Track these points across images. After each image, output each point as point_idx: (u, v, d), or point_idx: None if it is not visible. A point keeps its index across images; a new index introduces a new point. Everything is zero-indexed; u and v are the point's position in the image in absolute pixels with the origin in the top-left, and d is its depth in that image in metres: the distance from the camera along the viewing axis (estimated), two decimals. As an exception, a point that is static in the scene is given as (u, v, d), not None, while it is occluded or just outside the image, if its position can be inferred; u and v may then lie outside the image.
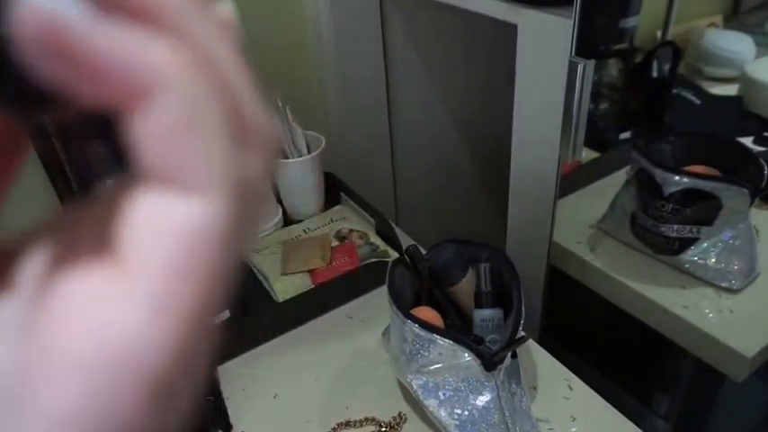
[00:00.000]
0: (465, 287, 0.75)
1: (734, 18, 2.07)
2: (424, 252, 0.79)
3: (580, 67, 0.73)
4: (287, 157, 1.03)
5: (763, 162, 0.91)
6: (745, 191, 0.85)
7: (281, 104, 1.02)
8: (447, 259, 0.75)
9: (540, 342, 0.85)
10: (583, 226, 1.07)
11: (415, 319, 0.67)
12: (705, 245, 0.91)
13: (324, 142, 1.06)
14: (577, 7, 0.71)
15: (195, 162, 0.14)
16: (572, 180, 1.19)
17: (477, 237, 0.90)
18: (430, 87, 1.37)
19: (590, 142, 1.28)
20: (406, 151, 1.41)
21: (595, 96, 1.37)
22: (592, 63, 0.73)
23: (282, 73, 1.15)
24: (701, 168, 0.95)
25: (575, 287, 1.04)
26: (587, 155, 1.27)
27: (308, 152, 1.05)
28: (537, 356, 0.82)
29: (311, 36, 1.17)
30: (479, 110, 1.47)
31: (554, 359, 0.82)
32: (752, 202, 0.88)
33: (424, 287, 0.77)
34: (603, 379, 1.12)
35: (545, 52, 0.81)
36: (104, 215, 0.15)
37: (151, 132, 0.14)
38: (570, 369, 0.81)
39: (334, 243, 1.00)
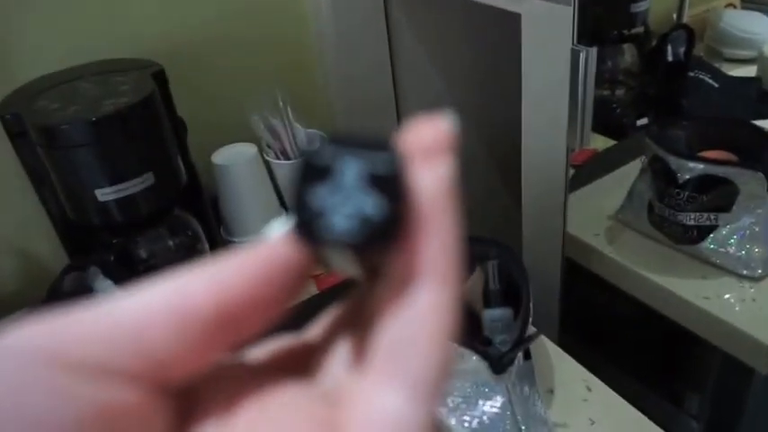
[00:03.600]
0: (473, 286, 0.73)
1: (752, -2, 2.02)
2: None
3: (582, 56, 0.70)
4: (289, 158, 1.01)
5: (780, 144, 0.87)
6: (761, 175, 0.82)
7: (281, 103, 1.00)
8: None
9: (560, 340, 0.83)
10: (600, 217, 1.05)
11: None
12: (724, 232, 0.88)
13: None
14: (576, -4, 0.69)
15: (420, 369, 0.17)
16: (589, 170, 1.16)
17: (494, 229, 0.88)
18: (437, 80, 1.34)
19: (607, 130, 1.26)
20: None
21: (611, 83, 1.34)
22: (594, 51, 0.71)
23: (285, 71, 1.14)
24: (716, 153, 0.92)
25: (594, 281, 1.01)
26: (604, 143, 1.24)
27: (312, 152, 1.03)
28: (554, 357, 0.80)
29: (313, 33, 1.15)
30: (489, 100, 1.44)
31: (571, 359, 0.79)
32: (769, 187, 0.85)
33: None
34: (628, 378, 1.09)
35: (548, 41, 0.79)
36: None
37: (398, 338, 0.17)
38: (593, 368, 0.78)
39: None
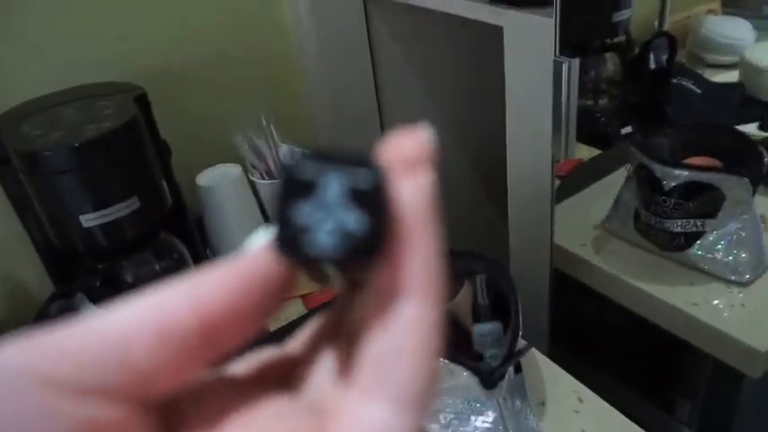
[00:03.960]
0: (462, 301, 0.73)
1: (732, 3, 2.04)
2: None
3: (565, 67, 0.71)
4: (274, 178, 1.01)
5: (762, 149, 0.88)
6: (746, 180, 0.82)
7: (265, 123, 1.00)
8: (441, 274, 0.73)
9: (550, 351, 0.83)
10: (587, 227, 1.05)
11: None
12: (711, 238, 0.88)
13: None
14: (557, 7, 0.69)
15: (405, 382, 0.17)
16: (575, 180, 1.16)
17: (481, 242, 0.87)
18: (422, 93, 1.35)
19: (592, 139, 1.26)
20: None
21: (595, 92, 1.35)
22: (576, 62, 0.71)
23: (268, 88, 1.14)
24: (701, 160, 0.92)
25: (583, 291, 1.01)
26: (590, 153, 1.24)
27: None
28: (544, 369, 0.79)
29: (295, 49, 1.15)
30: (474, 112, 1.45)
31: (562, 371, 0.79)
32: (754, 191, 0.85)
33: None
34: (620, 386, 1.09)
35: (531, 53, 0.79)
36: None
37: (383, 352, 0.17)
38: (584, 377, 0.78)
39: None
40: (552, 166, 0.82)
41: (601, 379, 1.09)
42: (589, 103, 1.35)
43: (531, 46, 0.78)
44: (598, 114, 1.33)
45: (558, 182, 1.11)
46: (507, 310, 0.70)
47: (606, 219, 1.02)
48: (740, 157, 0.90)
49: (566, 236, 1.02)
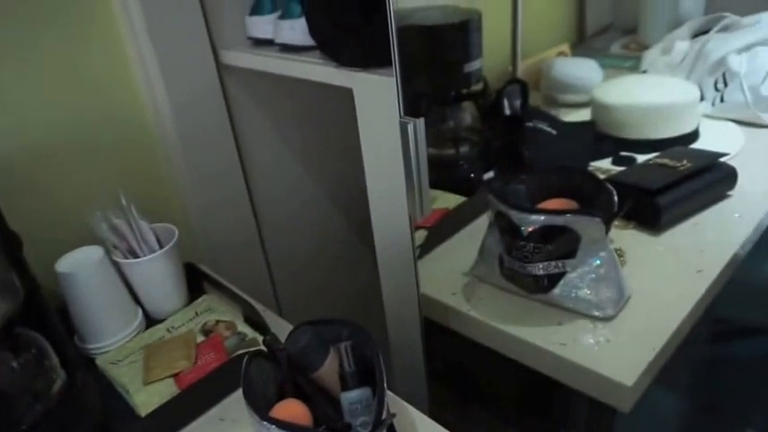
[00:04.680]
0: (329, 370, 0.70)
1: (581, 44, 2.17)
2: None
3: (410, 127, 0.71)
4: (137, 256, 0.96)
5: (611, 188, 0.92)
6: (597, 219, 0.85)
7: (124, 201, 0.96)
8: (306, 344, 0.70)
9: (433, 400, 0.81)
10: (457, 275, 1.05)
11: (273, 421, 0.61)
12: (573, 277, 0.91)
13: (177, 233, 1.00)
14: (397, 69, 0.69)
15: None
16: (442, 229, 1.17)
17: (362, 295, 0.85)
18: (288, 156, 1.34)
19: (456, 187, 1.29)
20: (274, 225, 1.37)
21: (455, 140, 1.38)
22: (421, 121, 0.72)
23: (125, 165, 1.09)
24: (556, 202, 0.95)
25: (461, 339, 1.01)
26: (456, 200, 1.26)
27: (161, 246, 0.99)
28: (421, 427, 0.78)
29: (152, 126, 1.11)
30: (344, 169, 1.45)
31: (439, 427, 0.77)
32: (607, 230, 0.88)
33: (286, 378, 0.71)
34: (507, 429, 1.09)
35: (380, 113, 0.80)
36: None
37: None
38: (471, 422, 0.76)
39: (200, 338, 0.93)
40: (410, 223, 0.82)
41: (488, 422, 1.09)
42: (451, 151, 1.37)
43: (378, 107, 0.78)
44: (461, 162, 1.36)
45: (424, 233, 1.13)
46: (373, 375, 0.68)
47: (474, 266, 1.03)
48: (592, 197, 0.94)
49: (436, 286, 1.02)
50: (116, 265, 0.97)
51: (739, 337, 1.77)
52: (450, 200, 1.25)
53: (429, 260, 1.11)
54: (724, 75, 1.53)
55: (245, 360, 0.69)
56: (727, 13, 1.70)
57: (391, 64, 0.75)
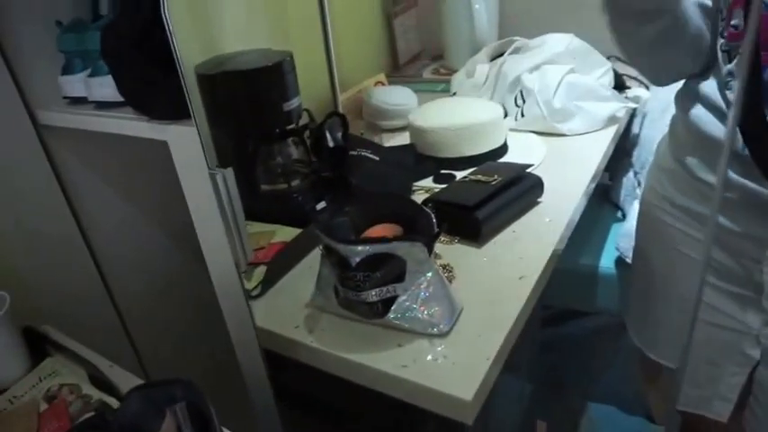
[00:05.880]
0: (166, 435, 0.68)
1: (396, 73, 2.27)
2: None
3: (219, 178, 0.71)
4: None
5: (428, 210, 0.97)
6: (419, 243, 0.89)
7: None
8: (137, 410, 0.68)
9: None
10: (299, 307, 1.06)
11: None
12: (404, 299, 0.94)
13: (8, 300, 0.95)
14: (196, 121, 0.69)
15: None
16: (281, 263, 1.18)
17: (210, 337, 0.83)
18: (128, 208, 1.32)
19: (292, 220, 1.29)
20: (120, 273, 1.34)
21: (286, 174, 1.39)
22: (230, 171, 0.72)
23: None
24: (381, 229, 0.99)
25: (311, 369, 1.01)
26: (292, 233, 1.26)
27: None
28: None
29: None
30: (181, 214, 1.43)
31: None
32: (430, 250, 0.93)
33: (120, 449, 0.68)
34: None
35: (193, 165, 0.79)
36: None
37: None
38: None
39: (44, 407, 0.88)
40: (238, 268, 0.82)
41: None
42: (283, 186, 1.38)
43: (191, 158, 0.77)
44: (294, 195, 1.37)
45: (263, 268, 1.12)
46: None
47: (313, 296, 1.05)
48: (413, 220, 0.98)
49: (280, 320, 1.03)
50: None
51: (565, 319, 1.92)
52: (288, 233, 1.26)
53: (272, 295, 1.11)
54: (521, 92, 1.67)
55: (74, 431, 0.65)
56: (517, 37, 1.87)
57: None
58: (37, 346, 1.03)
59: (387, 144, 1.66)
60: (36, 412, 0.87)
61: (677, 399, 1.16)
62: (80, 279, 1.26)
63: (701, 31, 1.00)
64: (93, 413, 0.84)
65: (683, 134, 1.08)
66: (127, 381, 0.92)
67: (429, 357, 0.92)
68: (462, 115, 1.49)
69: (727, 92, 0.95)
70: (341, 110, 1.68)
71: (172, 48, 0.67)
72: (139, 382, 0.73)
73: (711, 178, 1.01)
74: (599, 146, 1.54)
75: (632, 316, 1.35)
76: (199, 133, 0.70)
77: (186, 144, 0.78)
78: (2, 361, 0.96)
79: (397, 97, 1.81)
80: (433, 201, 1.20)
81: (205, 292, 1.21)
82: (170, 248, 1.45)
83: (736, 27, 0.91)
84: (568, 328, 1.95)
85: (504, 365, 0.95)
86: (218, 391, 0.80)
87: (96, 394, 0.89)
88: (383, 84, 2.04)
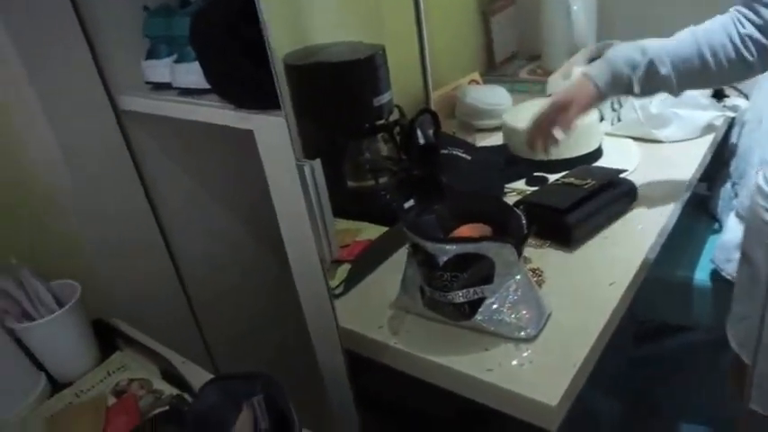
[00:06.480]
0: (242, 428, 0.68)
1: (491, 72, 2.23)
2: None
3: (307, 169, 0.70)
4: (33, 318, 0.91)
5: (519, 212, 0.93)
6: (508, 245, 0.86)
7: (14, 262, 0.91)
8: (214, 402, 0.68)
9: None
10: (383, 308, 1.05)
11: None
12: (492, 302, 0.91)
13: (79, 289, 0.96)
14: (285, 110, 0.69)
15: None
16: (366, 262, 1.17)
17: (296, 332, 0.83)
18: (205, 198, 1.32)
19: (379, 218, 1.29)
20: (194, 267, 1.34)
21: (374, 171, 1.38)
22: (317, 162, 0.71)
23: (13, 223, 1.04)
24: (470, 229, 0.96)
25: (393, 371, 1.00)
26: (378, 231, 1.25)
27: (61, 305, 0.94)
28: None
29: (40, 176, 1.08)
30: (260, 207, 1.44)
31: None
32: (519, 252, 0.89)
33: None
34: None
35: (279, 155, 0.78)
36: None
37: None
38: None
39: (111, 401, 0.89)
40: (322, 264, 0.81)
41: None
42: (370, 183, 1.37)
43: (278, 149, 0.77)
44: (381, 192, 1.36)
45: (347, 266, 1.12)
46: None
47: (398, 297, 1.03)
48: (503, 222, 0.95)
49: (363, 320, 1.01)
50: (12, 332, 0.92)
51: (659, 335, 1.83)
52: (373, 231, 1.24)
53: (355, 294, 1.10)
54: (619, 96, 1.60)
55: (147, 421, 0.66)
56: (615, 40, 1.79)
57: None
58: (107, 340, 1.04)
59: (479, 144, 1.63)
60: (104, 406, 0.88)
61: (749, 396, 1.09)
62: (153, 270, 1.25)
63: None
64: (166, 408, 0.84)
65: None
66: (199, 377, 0.91)
67: (515, 362, 0.88)
68: (559, 116, 1.44)
69: None
70: (433, 107, 1.66)
71: (264, 37, 0.67)
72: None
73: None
74: (695, 154, 1.46)
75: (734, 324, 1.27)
76: (288, 123, 0.70)
77: (273, 134, 0.77)
78: (70, 352, 0.97)
79: (492, 97, 1.77)
80: (524, 203, 1.16)
81: (282, 290, 1.23)
82: (247, 244, 1.46)
83: None
84: (662, 344, 1.86)
85: (592, 378, 0.91)
86: (291, 390, 0.80)
87: (168, 389, 0.90)
88: (478, 82, 2.01)
